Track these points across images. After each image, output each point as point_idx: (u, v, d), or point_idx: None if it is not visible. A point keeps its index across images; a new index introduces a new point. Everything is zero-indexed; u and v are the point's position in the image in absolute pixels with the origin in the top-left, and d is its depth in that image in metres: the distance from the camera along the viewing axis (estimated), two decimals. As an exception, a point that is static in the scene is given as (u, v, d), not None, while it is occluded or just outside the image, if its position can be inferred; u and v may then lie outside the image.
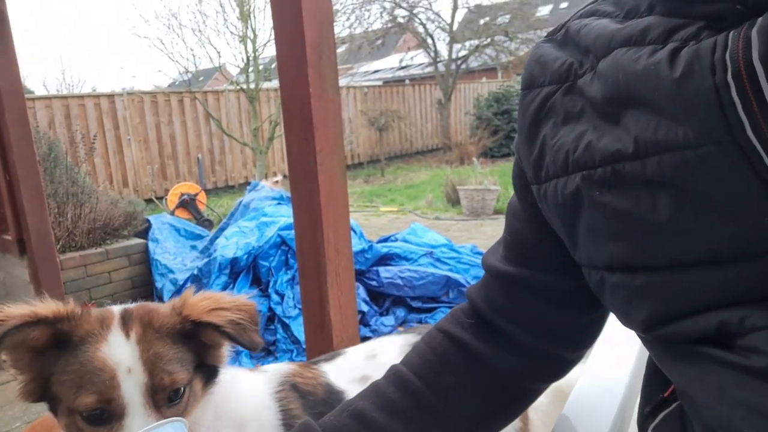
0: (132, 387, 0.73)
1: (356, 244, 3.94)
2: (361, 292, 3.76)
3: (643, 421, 0.65)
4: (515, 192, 0.73)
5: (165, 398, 0.77)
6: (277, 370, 1.07)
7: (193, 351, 0.83)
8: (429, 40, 15.18)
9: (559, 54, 0.63)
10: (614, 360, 0.98)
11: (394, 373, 0.72)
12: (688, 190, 0.47)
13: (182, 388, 0.79)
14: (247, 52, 9.38)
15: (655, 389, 0.64)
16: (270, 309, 3.64)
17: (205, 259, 4.19)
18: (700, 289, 0.48)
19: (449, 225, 6.80)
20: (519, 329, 0.70)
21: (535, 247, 0.69)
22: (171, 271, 4.43)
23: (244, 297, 0.89)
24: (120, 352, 0.75)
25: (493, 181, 7.26)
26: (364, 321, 3.57)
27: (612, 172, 0.52)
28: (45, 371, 0.77)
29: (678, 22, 0.49)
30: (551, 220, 0.64)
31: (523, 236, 0.71)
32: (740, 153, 0.43)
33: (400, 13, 15.16)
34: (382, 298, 3.84)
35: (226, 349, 0.91)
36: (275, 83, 9.74)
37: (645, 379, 0.69)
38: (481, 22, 15.15)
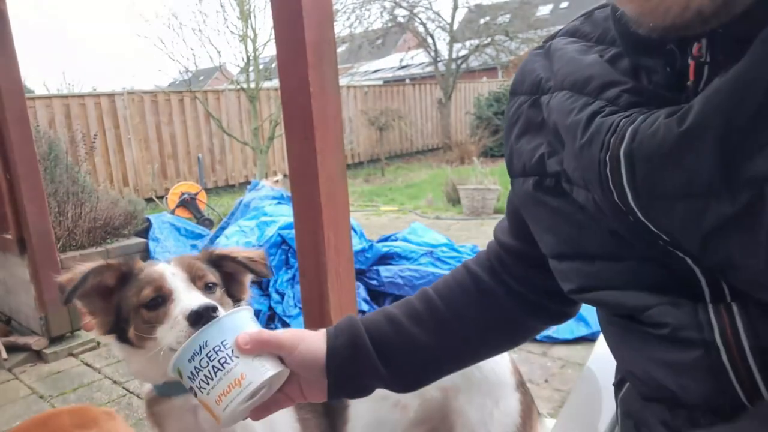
0: (176, 280, 1.07)
1: (356, 244, 3.94)
2: (362, 291, 3.77)
3: (615, 393, 0.78)
4: None
5: (202, 286, 1.08)
6: None
7: (220, 276, 1.16)
8: (429, 40, 15.17)
9: (537, 66, 0.75)
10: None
11: (422, 292, 0.92)
12: (586, 211, 0.64)
13: (214, 286, 1.10)
14: (247, 51, 9.39)
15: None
16: (270, 308, 3.64)
17: (206, 259, 4.19)
18: (603, 275, 0.65)
19: (449, 224, 6.80)
20: (515, 283, 0.87)
21: (520, 228, 0.84)
22: (171, 271, 4.43)
23: (256, 249, 1.26)
24: (166, 267, 1.10)
25: (494, 181, 7.26)
26: (364, 320, 3.58)
27: (555, 183, 0.69)
28: (115, 303, 1.09)
29: (613, 77, 0.62)
30: (520, 209, 0.80)
31: (511, 217, 0.88)
32: (611, 199, 0.59)
33: (401, 12, 15.18)
34: (382, 298, 3.84)
35: (248, 285, 1.22)
36: (275, 82, 9.74)
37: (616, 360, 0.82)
38: (482, 21, 15.14)
